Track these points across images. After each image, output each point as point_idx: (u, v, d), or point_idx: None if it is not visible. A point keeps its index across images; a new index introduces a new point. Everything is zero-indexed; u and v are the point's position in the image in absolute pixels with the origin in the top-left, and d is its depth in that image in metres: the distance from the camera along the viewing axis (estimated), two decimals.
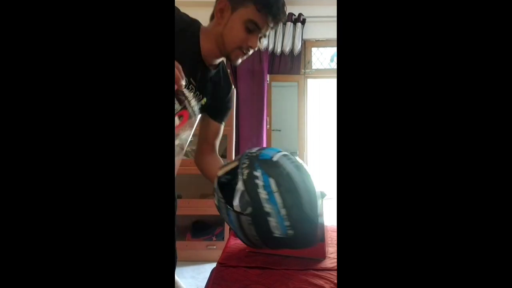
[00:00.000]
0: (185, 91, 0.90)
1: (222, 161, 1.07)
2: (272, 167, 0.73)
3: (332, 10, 2.59)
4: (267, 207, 0.69)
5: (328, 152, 2.99)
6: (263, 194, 0.70)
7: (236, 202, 0.74)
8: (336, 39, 2.44)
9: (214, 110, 1.06)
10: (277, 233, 0.69)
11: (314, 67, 2.84)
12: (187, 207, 2.41)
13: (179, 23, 0.86)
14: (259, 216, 0.70)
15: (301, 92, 2.80)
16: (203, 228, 2.55)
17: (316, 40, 2.80)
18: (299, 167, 0.76)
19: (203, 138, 1.10)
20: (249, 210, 0.70)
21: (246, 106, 2.64)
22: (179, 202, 2.35)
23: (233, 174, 0.80)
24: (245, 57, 0.95)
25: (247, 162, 0.74)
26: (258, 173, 0.71)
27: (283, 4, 0.88)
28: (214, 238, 2.50)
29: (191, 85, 0.93)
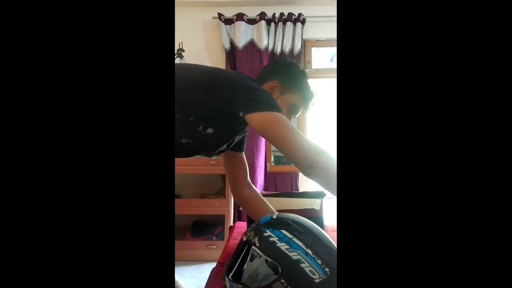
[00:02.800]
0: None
1: (260, 195, 1.14)
2: (276, 223, 0.74)
3: (332, 10, 2.59)
4: (294, 255, 0.67)
5: None
6: (283, 246, 0.69)
7: (260, 277, 0.73)
8: (336, 39, 2.45)
9: (239, 144, 1.13)
10: (316, 277, 0.66)
11: (314, 66, 2.84)
12: (187, 207, 2.41)
13: None
14: (291, 269, 0.67)
15: None
16: (203, 228, 2.55)
17: (316, 40, 2.80)
18: (296, 215, 0.78)
19: (237, 174, 1.16)
20: (279, 270, 0.67)
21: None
22: (179, 202, 2.36)
23: (237, 256, 0.79)
24: None
25: (253, 232, 0.74)
26: (267, 233, 0.72)
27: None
28: (214, 238, 2.50)
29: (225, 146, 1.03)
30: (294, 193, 1.49)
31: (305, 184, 2.73)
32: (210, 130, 0.91)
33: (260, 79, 1.04)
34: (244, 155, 1.16)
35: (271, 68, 1.07)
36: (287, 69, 1.04)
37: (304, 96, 1.04)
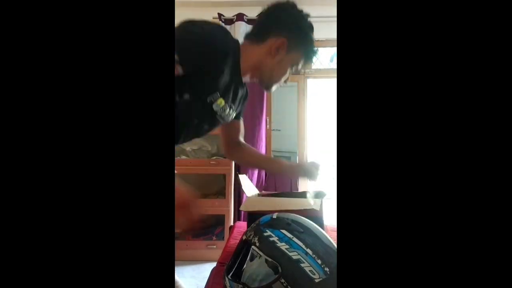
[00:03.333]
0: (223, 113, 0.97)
1: (250, 147, 1.19)
2: (276, 223, 0.74)
3: (332, 10, 2.58)
4: (294, 254, 0.67)
5: (328, 152, 2.99)
6: (283, 246, 0.69)
7: (260, 277, 0.73)
8: (335, 39, 2.43)
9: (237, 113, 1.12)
10: (316, 277, 0.66)
11: (314, 66, 2.84)
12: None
13: (222, 46, 0.88)
14: (291, 269, 0.67)
15: (301, 92, 2.79)
16: (203, 228, 2.55)
17: (316, 40, 2.80)
18: (296, 215, 0.78)
19: (229, 138, 1.17)
20: (279, 270, 0.67)
21: (246, 106, 2.63)
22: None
23: (236, 256, 0.79)
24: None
25: (253, 232, 0.74)
26: (267, 232, 0.72)
27: None
28: (214, 238, 2.50)
29: (228, 106, 0.98)
30: (294, 193, 1.49)
31: (305, 184, 2.73)
32: (186, 96, 0.84)
33: (262, 30, 0.95)
34: (240, 121, 1.14)
35: (278, 18, 0.93)
36: (297, 24, 0.94)
37: (309, 55, 0.99)
